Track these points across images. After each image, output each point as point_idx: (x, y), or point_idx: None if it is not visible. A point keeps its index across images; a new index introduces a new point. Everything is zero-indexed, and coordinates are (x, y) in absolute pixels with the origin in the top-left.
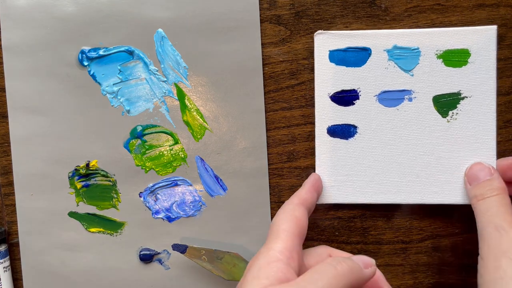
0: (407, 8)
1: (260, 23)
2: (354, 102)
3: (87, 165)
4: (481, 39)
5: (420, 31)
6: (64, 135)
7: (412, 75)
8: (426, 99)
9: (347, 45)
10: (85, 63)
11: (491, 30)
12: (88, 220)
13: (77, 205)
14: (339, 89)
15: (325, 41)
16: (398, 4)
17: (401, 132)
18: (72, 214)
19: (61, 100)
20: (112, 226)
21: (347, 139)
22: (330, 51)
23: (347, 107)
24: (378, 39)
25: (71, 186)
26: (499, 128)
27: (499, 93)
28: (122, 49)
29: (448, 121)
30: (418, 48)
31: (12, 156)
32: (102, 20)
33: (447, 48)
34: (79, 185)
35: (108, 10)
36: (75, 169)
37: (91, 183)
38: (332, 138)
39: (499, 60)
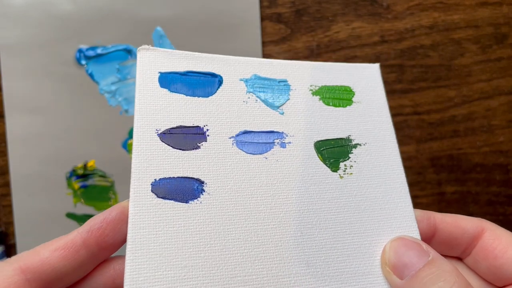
0: (409, 6)
1: (261, 21)
2: (199, 145)
3: (85, 165)
4: (364, 77)
5: (284, 63)
6: (62, 135)
7: (282, 113)
8: (305, 145)
9: (187, 68)
10: (83, 62)
11: (373, 68)
12: (86, 221)
13: (75, 206)
14: (175, 125)
15: (154, 60)
16: (400, 2)
17: (273, 193)
18: (70, 215)
19: (58, 100)
20: None
21: (187, 202)
22: (160, 73)
23: (188, 152)
24: (230, 66)
25: (68, 187)
26: (502, 128)
27: (502, 93)
28: (120, 47)
29: (341, 177)
30: (286, 81)
31: (9, 156)
32: (100, 19)
33: (323, 84)
34: (76, 186)
35: (106, 8)
36: (73, 170)
37: (89, 184)
38: (161, 201)
39: (502, 59)
